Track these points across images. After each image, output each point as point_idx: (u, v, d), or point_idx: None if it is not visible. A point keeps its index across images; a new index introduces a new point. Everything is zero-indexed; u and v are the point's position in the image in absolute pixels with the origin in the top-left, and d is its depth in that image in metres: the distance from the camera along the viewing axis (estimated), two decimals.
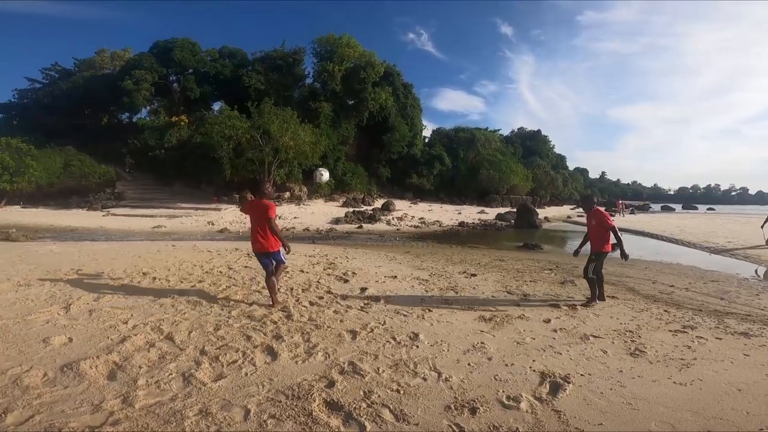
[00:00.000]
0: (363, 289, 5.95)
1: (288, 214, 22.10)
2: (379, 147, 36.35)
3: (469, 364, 3.35)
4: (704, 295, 6.60)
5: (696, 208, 57.69)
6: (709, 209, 55.44)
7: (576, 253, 6.00)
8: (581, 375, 3.19)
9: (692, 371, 3.31)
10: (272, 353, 3.41)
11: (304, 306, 4.93)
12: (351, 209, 24.81)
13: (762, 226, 13.18)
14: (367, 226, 19.72)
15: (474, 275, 7.51)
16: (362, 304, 5.13)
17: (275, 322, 4.23)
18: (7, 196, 22.46)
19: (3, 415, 2.32)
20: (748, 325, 4.77)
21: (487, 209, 33.58)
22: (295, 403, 2.59)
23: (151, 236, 14.67)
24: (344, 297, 5.50)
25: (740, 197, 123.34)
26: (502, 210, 31.09)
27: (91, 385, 2.74)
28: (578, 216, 33.31)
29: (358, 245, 13.14)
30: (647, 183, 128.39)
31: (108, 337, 3.61)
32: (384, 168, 37.32)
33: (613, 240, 5.60)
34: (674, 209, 55.47)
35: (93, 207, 22.51)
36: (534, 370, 3.25)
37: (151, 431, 2.24)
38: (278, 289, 5.14)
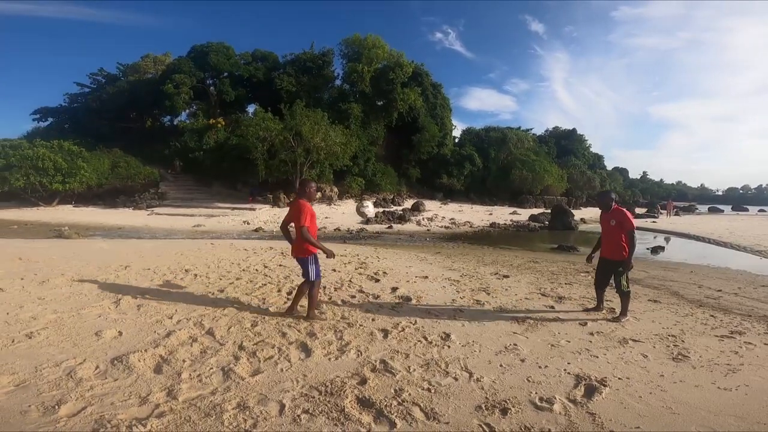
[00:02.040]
0: (394, 289, 5.99)
1: (319, 214, 22.47)
2: (409, 147, 36.25)
3: (501, 365, 3.32)
4: (754, 300, 6.22)
5: (746, 210, 53.69)
6: (760, 211, 51.44)
7: (590, 258, 5.35)
8: (619, 379, 3.11)
9: (738, 377, 3.18)
10: (306, 350, 3.51)
11: (337, 304, 5.03)
12: (381, 210, 24.93)
13: None
14: (397, 227, 19.74)
15: (506, 276, 7.39)
16: (394, 304, 5.17)
17: (309, 321, 4.34)
18: (60, 196, 23.97)
19: (56, 407, 2.43)
20: None
21: (519, 210, 32.76)
22: (327, 399, 2.66)
23: (191, 235, 15.36)
24: (376, 296, 5.56)
25: None
26: (536, 211, 30.25)
27: (139, 378, 2.90)
28: None
29: (388, 245, 13.20)
30: (693, 183, 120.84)
31: (155, 332, 3.82)
32: (414, 168, 37.18)
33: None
34: (722, 210, 51.94)
35: (138, 206, 23.76)
36: (569, 373, 3.19)
37: (192, 423, 2.35)
38: (318, 304, 4.64)
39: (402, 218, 21.72)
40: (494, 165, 42.15)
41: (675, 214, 36.72)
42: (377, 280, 6.61)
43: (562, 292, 6.23)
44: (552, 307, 5.30)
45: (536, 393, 2.83)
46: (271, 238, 14.23)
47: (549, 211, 26.38)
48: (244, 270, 7.04)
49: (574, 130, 59.36)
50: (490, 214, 28.98)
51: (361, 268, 7.69)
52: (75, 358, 3.15)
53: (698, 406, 2.67)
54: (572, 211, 25.99)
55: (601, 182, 53.49)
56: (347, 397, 2.69)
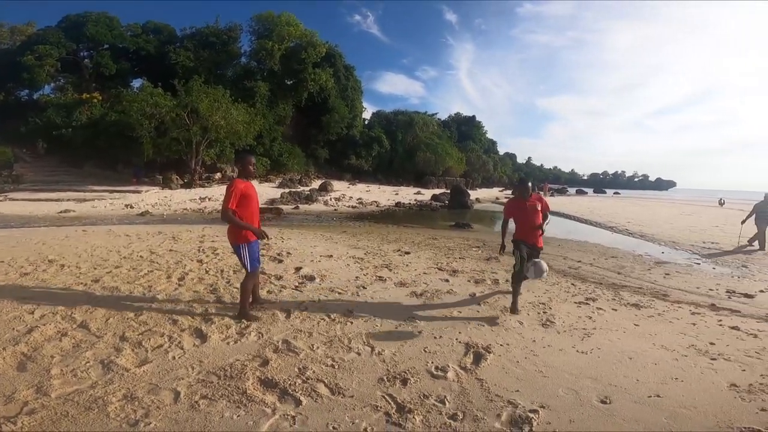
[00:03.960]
0: (297, 269, 5.92)
1: (219, 196, 20.95)
2: (318, 128, 35.64)
3: (400, 338, 3.52)
4: (605, 270, 7.45)
5: (605, 192, 63.74)
6: (615, 193, 61.75)
7: (503, 249, 4.91)
8: (500, 345, 3.45)
9: (592, 340, 3.66)
10: (201, 336, 3.32)
11: (236, 287, 4.80)
12: (287, 190, 24.15)
13: (742, 223, 11.02)
14: (304, 207, 19.36)
15: (408, 253, 7.79)
16: (297, 284, 5.12)
17: (204, 305, 4.09)
18: None
19: None
20: (639, 297, 5.42)
21: (423, 190, 34.52)
22: (228, 383, 2.57)
23: (57, 222, 13.12)
24: (278, 277, 5.43)
25: (641, 183, 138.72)
26: (438, 191, 32.16)
27: (0, 377, 2.54)
28: (505, 197, 35.60)
29: (294, 226, 12.90)
30: (566, 168, 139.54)
31: (13, 329, 3.29)
32: (322, 149, 36.74)
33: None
34: (587, 192, 60.92)
35: None
36: (460, 342, 3.48)
37: (71, 419, 2.13)
38: (256, 302, 4.16)
39: (309, 198, 21.36)
40: (401, 147, 43.63)
41: (551, 195, 42.25)
42: (280, 261, 6.46)
43: (456, 266, 6.78)
44: (447, 280, 5.74)
45: (432, 362, 3.05)
46: (161, 222, 12.88)
47: (449, 191, 28.23)
48: (125, 258, 6.29)
49: (473, 117, 63.96)
50: (396, 194, 30.03)
51: (263, 249, 7.41)
52: None
53: (562, 368, 3.08)
54: (469, 191, 28.17)
55: (494, 166, 58.87)
56: (249, 380, 2.63)
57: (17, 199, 18.04)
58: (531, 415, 2.39)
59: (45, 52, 27.49)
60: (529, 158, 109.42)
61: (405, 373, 2.86)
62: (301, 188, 26.15)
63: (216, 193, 21.59)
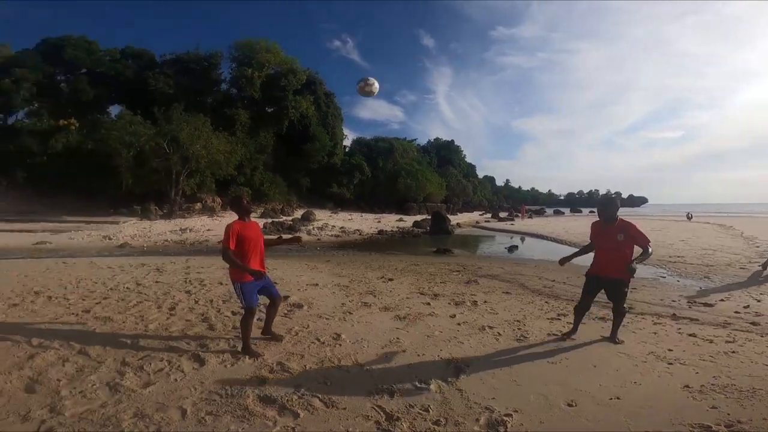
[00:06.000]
0: (285, 297, 6.08)
1: (200, 227, 20.84)
2: (299, 156, 36.01)
3: (387, 357, 3.79)
4: (577, 288, 7.80)
5: (581, 211, 65.72)
6: (591, 212, 63.90)
7: (564, 261, 4.75)
8: (478, 359, 3.77)
9: (561, 352, 4.01)
10: (199, 360, 3.50)
11: (226, 316, 4.98)
12: (270, 220, 24.21)
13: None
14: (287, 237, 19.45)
15: (391, 279, 8.07)
16: (285, 311, 5.31)
17: (198, 333, 4.26)
18: None
19: None
20: (606, 311, 5.71)
21: (405, 217, 35.06)
22: (230, 401, 2.78)
23: (34, 253, 12.85)
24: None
25: None
26: (419, 217, 32.77)
27: (11, 398, 2.69)
28: (485, 222, 36.51)
29: (278, 255, 13.01)
30: (543, 189, 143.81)
31: (14, 355, 3.42)
32: (304, 178, 37.04)
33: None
34: (564, 213, 62.67)
35: None
36: (441, 358, 3.78)
37: None
38: (267, 334, 4.17)
39: (292, 229, 21.47)
40: (382, 174, 44.48)
41: (528, 217, 43.47)
42: None
43: (437, 290, 7.10)
44: (428, 303, 6.04)
45: (416, 376, 3.33)
46: (141, 254, 12.80)
47: (430, 217, 28.83)
48: (111, 289, 6.36)
49: (452, 141, 66.16)
50: (379, 221, 30.40)
51: None
52: None
53: (534, 377, 3.40)
54: (450, 216, 28.88)
55: (474, 189, 60.35)
56: (249, 397, 2.84)
57: None
58: (506, 418, 2.68)
59: (22, 75, 27.10)
60: (507, 180, 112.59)
61: (392, 386, 3.11)
62: (284, 218, 26.28)
63: (197, 224, 21.45)
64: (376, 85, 5.24)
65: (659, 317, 5.58)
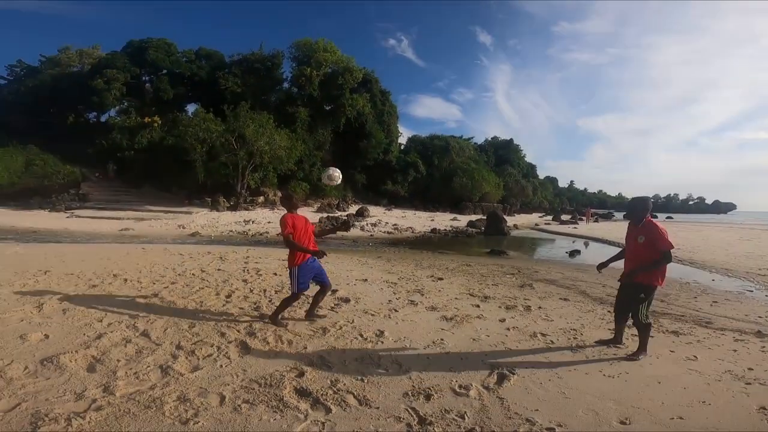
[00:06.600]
0: (334, 291, 6.20)
1: (262, 219, 22.04)
2: (355, 153, 36.63)
3: (428, 358, 3.69)
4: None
5: (656, 217, 59.98)
6: (667, 218, 58.25)
7: (601, 266, 4.54)
8: (526, 367, 3.54)
9: (621, 365, 3.67)
10: (246, 348, 3.65)
11: (277, 306, 5.15)
12: (325, 215, 24.96)
13: None
14: (340, 232, 19.88)
15: (441, 279, 7.91)
16: (332, 305, 5.40)
17: (249, 321, 4.45)
18: None
19: None
20: (679, 325, 5.29)
21: (459, 216, 34.38)
22: (267, 390, 2.85)
23: (118, 239, 14.39)
24: None
25: (697, 206, 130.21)
26: (474, 217, 31.96)
27: (72, 377, 2.92)
28: (545, 224, 34.69)
29: (331, 250, 13.34)
30: (612, 192, 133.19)
31: (84, 334, 3.76)
32: (359, 174, 37.62)
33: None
34: None
35: (56, 208, 21.71)
36: (485, 363, 3.60)
37: (132, 415, 2.45)
38: (311, 315, 4.68)
39: (346, 224, 21.90)
40: (437, 172, 43.88)
41: (594, 221, 40.60)
42: None
43: (488, 292, 6.83)
44: (478, 305, 5.83)
45: (456, 381, 3.19)
46: (209, 243, 13.77)
47: (485, 217, 27.99)
48: (179, 275, 6.88)
49: (511, 140, 63.50)
50: (432, 220, 30.11)
51: None
52: (2, 360, 3.10)
53: (586, 391, 3.13)
54: (506, 217, 27.78)
55: (534, 190, 57.61)
56: (286, 388, 2.89)
57: (83, 216, 19.92)
58: None
59: (112, 76, 29.96)
60: (572, 182, 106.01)
61: (429, 389, 3.01)
62: (339, 213, 26.94)
63: (259, 216, 22.69)
64: (337, 173, 5.37)
65: (742, 333, 4.99)
